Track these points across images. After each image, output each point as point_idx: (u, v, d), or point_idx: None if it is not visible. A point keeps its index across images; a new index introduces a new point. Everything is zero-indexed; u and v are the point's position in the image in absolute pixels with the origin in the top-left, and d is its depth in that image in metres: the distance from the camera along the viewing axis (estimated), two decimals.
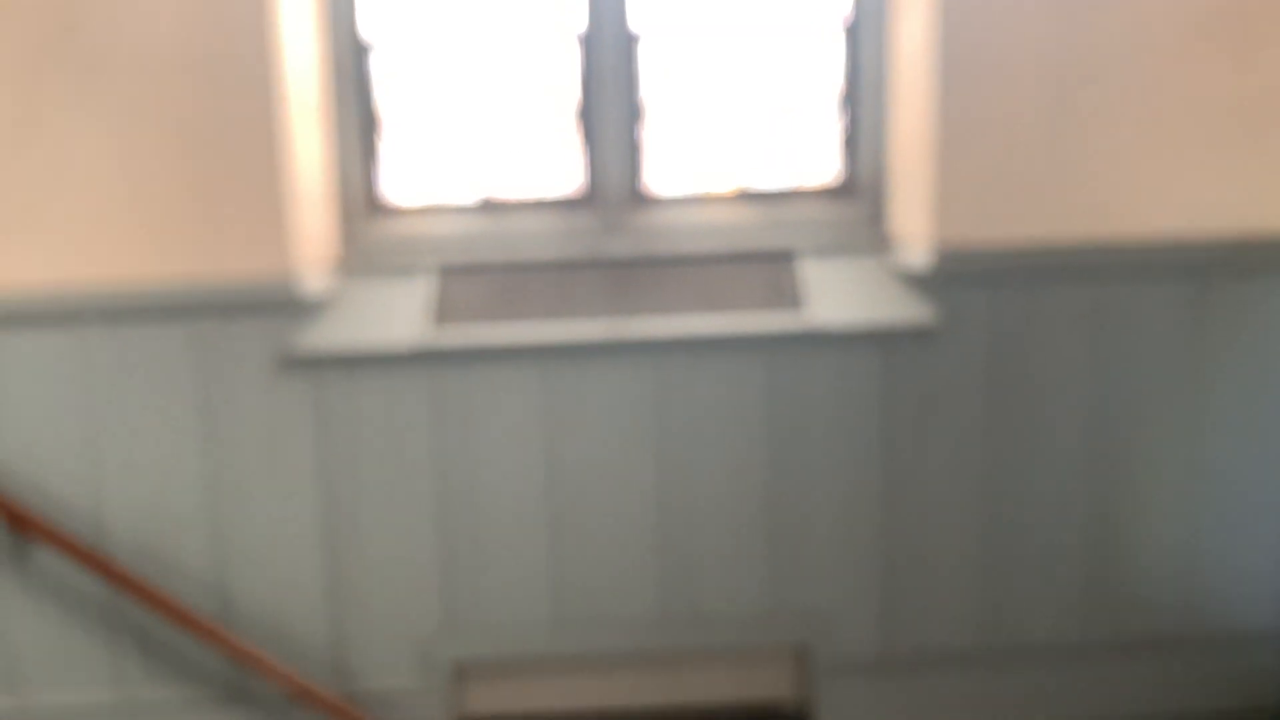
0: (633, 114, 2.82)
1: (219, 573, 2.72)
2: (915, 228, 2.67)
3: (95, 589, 2.71)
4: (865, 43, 2.79)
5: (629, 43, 2.79)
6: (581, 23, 2.78)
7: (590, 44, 2.79)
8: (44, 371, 2.63)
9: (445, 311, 2.71)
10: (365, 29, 2.79)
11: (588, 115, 2.83)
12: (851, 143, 2.85)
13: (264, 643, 2.74)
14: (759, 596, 2.77)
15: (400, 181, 2.88)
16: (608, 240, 2.83)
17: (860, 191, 2.86)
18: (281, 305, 2.61)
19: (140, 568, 2.70)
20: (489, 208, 2.89)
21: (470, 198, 2.89)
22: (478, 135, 2.88)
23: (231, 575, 2.73)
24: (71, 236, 2.57)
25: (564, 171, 2.88)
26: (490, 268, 2.81)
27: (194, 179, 2.55)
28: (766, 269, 2.77)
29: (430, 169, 2.89)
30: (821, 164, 2.88)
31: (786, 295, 2.70)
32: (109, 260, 2.57)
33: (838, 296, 2.69)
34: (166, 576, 2.71)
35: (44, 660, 2.76)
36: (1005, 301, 2.64)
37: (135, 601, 2.66)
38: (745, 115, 2.86)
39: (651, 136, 2.85)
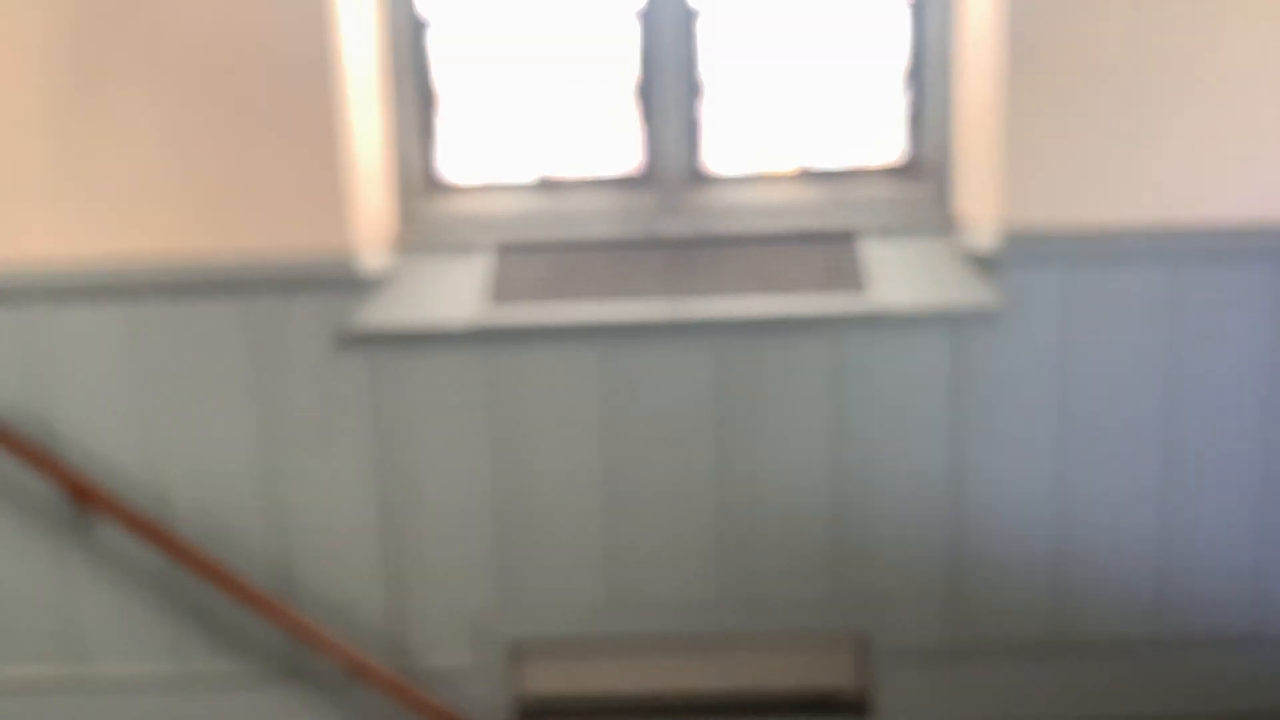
0: (692, 91, 2.78)
1: (278, 548, 2.74)
2: (982, 208, 2.61)
3: (156, 562, 2.74)
4: (931, 18, 2.73)
5: (688, 19, 2.75)
6: None
7: (649, 20, 2.75)
8: (103, 345, 2.66)
9: (502, 290, 2.69)
10: (422, 5, 2.78)
11: (646, 93, 2.79)
12: (916, 121, 2.80)
13: (322, 618, 2.75)
14: (819, 582, 2.74)
15: (458, 159, 2.87)
16: (666, 219, 2.79)
17: (925, 171, 2.80)
18: (339, 282, 2.61)
19: (200, 541, 2.72)
20: (546, 186, 2.87)
21: (528, 176, 2.87)
22: (535, 113, 2.85)
23: (290, 550, 2.74)
24: (130, 210, 2.58)
25: (622, 150, 2.85)
26: (547, 246, 2.79)
27: (253, 155, 2.55)
28: (828, 249, 2.72)
29: (488, 147, 2.88)
30: (885, 143, 2.83)
31: (849, 276, 2.65)
32: (167, 234, 2.59)
33: (902, 278, 2.64)
34: (226, 550, 2.73)
35: (105, 631, 2.80)
36: (1075, 284, 2.57)
37: (195, 575, 2.68)
38: (807, 93, 2.81)
39: (711, 114, 2.81)
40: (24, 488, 2.72)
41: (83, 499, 2.65)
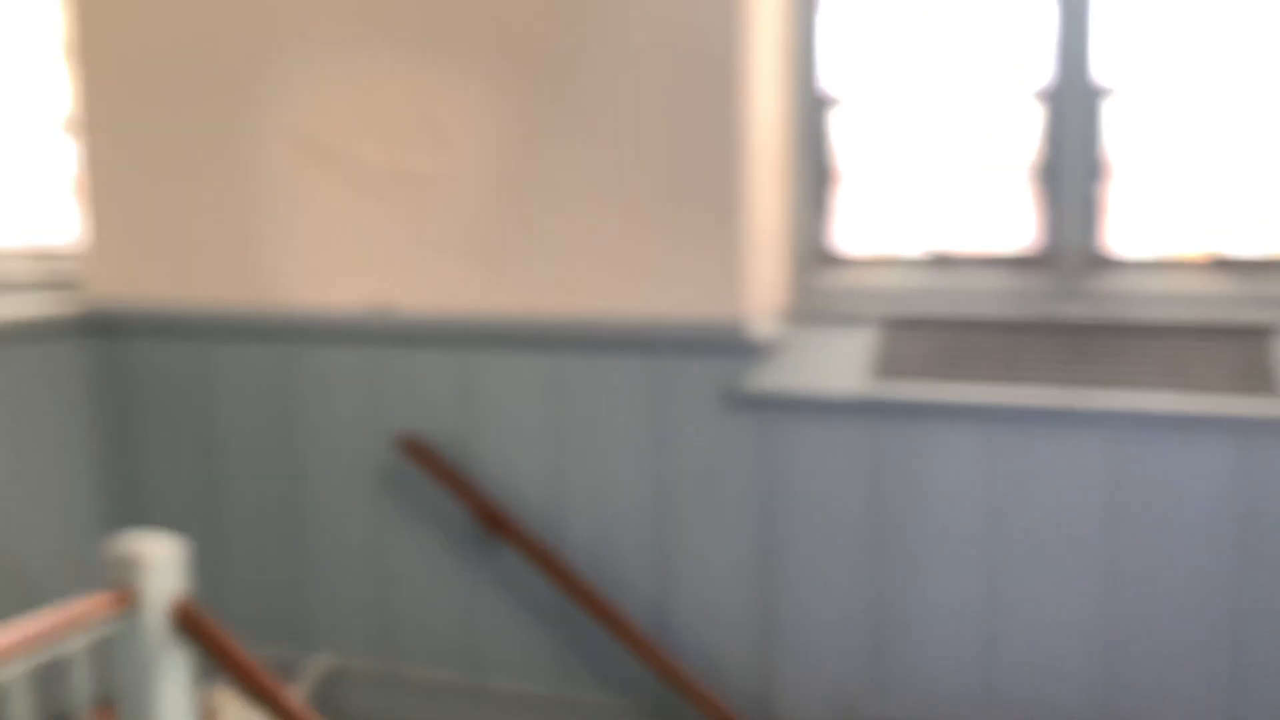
0: (1095, 171, 2.72)
1: (659, 592, 2.91)
2: None
3: (550, 591, 2.97)
4: None
5: (1094, 97, 2.70)
6: (1045, 78, 2.72)
7: (1053, 99, 2.73)
8: (522, 388, 2.94)
9: (888, 364, 2.74)
10: (826, 84, 2.89)
11: (1047, 171, 2.76)
12: None
13: (695, 667, 2.87)
14: (1214, 706, 2.55)
15: (851, 232, 2.95)
16: (1062, 302, 2.74)
17: None
18: (732, 346, 2.76)
19: (590, 576, 2.94)
20: (939, 262, 2.89)
21: (920, 250, 2.91)
22: (932, 188, 2.89)
23: (670, 596, 2.90)
24: (553, 269, 2.86)
25: (1018, 228, 2.83)
26: (936, 323, 2.81)
27: (663, 222, 2.75)
28: (1239, 346, 2.57)
29: (882, 220, 2.94)
30: None
31: (1261, 377, 2.49)
32: (585, 294, 2.84)
33: None
34: (612, 588, 2.93)
35: (501, 648, 3.07)
36: None
37: (583, 608, 2.89)
38: (1222, 176, 2.68)
39: (1116, 196, 2.74)
40: (445, 509, 3.04)
41: (493, 525, 2.94)
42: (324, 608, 3.22)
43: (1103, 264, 2.76)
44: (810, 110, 2.91)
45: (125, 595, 1.80)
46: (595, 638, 2.96)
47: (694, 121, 2.69)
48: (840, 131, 2.91)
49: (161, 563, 1.83)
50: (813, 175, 2.93)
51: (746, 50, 2.66)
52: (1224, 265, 2.70)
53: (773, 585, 2.82)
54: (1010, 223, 2.84)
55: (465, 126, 2.88)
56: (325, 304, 3.06)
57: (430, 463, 2.98)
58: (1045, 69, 2.73)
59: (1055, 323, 2.73)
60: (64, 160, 3.48)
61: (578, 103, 2.78)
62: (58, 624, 1.72)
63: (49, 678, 1.81)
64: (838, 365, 2.77)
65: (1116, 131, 2.71)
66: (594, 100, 2.77)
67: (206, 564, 3.31)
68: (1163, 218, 2.73)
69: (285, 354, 3.13)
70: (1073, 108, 2.71)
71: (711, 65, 2.66)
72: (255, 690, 1.87)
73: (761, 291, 2.79)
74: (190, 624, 1.86)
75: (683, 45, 2.67)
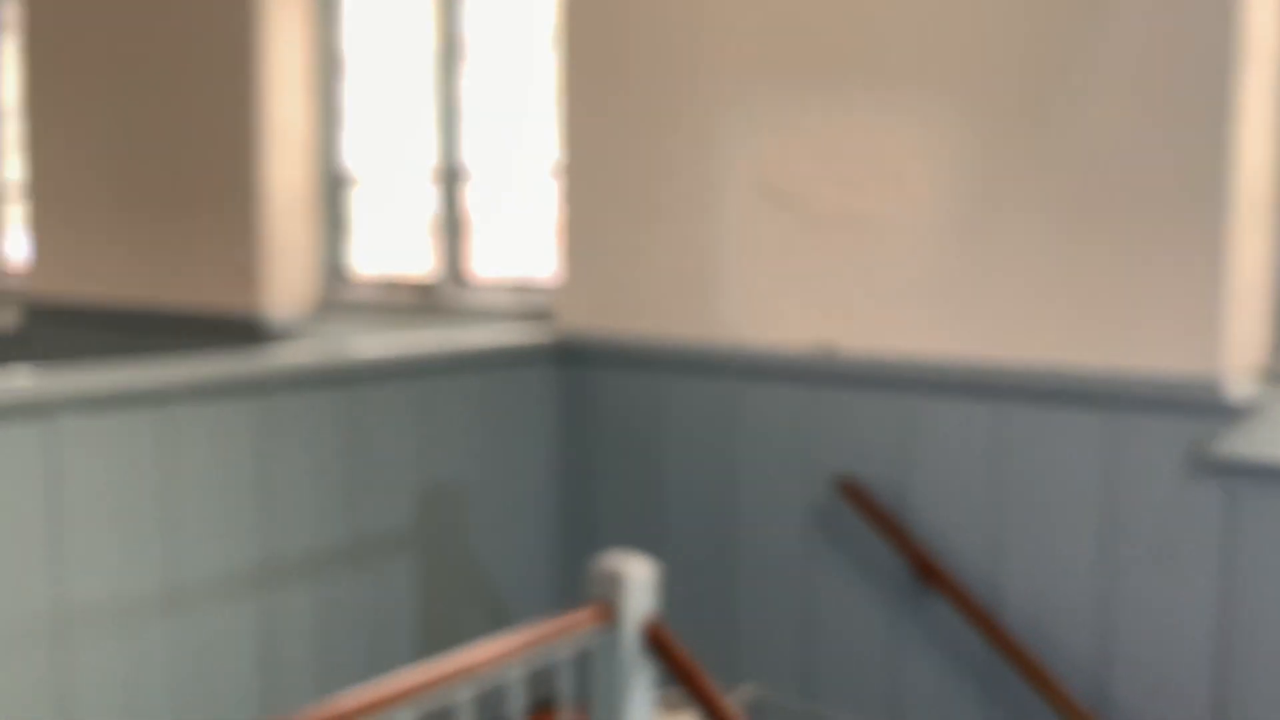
0: None
1: (1101, 662, 2.74)
2: None
3: (982, 648, 2.89)
4: None
5: None
6: None
7: None
8: (964, 437, 2.89)
9: None
10: None
11: None
12: None
13: None
14: None
15: None
16: None
17: None
18: (1202, 406, 2.57)
19: (1027, 638, 2.82)
20: None
21: None
22: None
23: (1113, 668, 2.73)
24: (1002, 314, 2.80)
25: None
26: None
27: (1131, 270, 2.63)
28: None
29: None
30: None
31: None
32: (1034, 339, 2.76)
33: None
34: (1048, 651, 2.80)
35: (925, 700, 3.01)
36: None
37: (1017, 669, 2.78)
38: None
39: None
40: (877, 554, 3.04)
41: (926, 575, 2.90)
42: (752, 639, 3.31)
43: None
44: None
45: (607, 610, 1.94)
46: (1027, 701, 2.83)
47: (1176, 164, 2.55)
48: None
49: (639, 583, 1.96)
50: None
51: (1240, 89, 2.48)
52: None
53: (1232, 671, 2.58)
54: None
55: (919, 168, 2.89)
56: (771, 343, 3.16)
57: (865, 506, 2.99)
58: None
59: None
60: (549, 203, 3.83)
61: (1042, 144, 2.71)
62: (550, 632, 1.89)
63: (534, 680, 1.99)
64: None
65: None
66: (1061, 142, 2.68)
67: None
68: None
69: (730, 390, 3.26)
70: None
71: (1200, 105, 2.51)
72: (714, 713, 1.96)
73: (1241, 348, 2.58)
74: (659, 643, 1.97)
75: (1168, 86, 2.54)
